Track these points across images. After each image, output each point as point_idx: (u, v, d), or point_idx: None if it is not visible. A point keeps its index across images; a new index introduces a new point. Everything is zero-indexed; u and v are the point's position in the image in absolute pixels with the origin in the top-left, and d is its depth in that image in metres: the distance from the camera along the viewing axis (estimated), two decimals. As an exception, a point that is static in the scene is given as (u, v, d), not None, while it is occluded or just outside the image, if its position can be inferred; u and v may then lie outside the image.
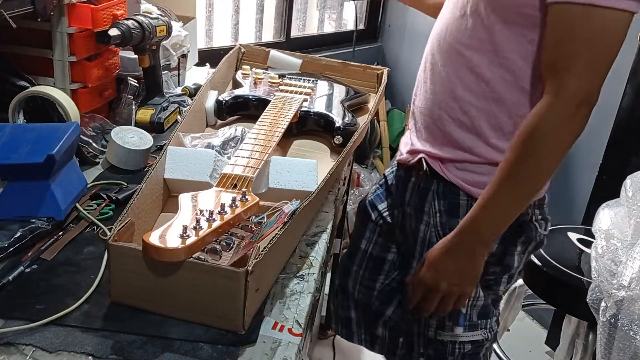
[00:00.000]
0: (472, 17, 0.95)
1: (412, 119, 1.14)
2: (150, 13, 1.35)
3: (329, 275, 2.01)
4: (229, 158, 1.07)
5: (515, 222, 0.98)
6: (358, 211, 1.34)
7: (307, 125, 1.29)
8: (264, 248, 0.75)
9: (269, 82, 1.42)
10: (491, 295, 1.12)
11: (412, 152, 1.11)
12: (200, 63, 1.82)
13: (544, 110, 0.86)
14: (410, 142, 1.13)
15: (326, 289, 2.04)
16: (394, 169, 1.22)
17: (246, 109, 1.33)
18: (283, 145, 1.23)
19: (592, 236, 1.53)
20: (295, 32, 2.67)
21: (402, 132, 2.82)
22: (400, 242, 1.22)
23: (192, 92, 1.50)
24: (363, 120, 1.33)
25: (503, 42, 0.92)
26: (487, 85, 0.96)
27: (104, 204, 1.00)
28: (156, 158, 0.99)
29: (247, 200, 0.82)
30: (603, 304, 1.35)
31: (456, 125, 1.01)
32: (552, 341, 2.23)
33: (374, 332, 1.32)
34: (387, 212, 1.24)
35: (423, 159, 1.07)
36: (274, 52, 1.58)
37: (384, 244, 1.27)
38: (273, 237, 0.78)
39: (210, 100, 1.31)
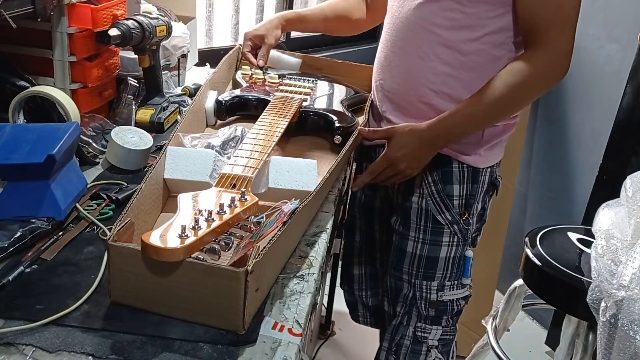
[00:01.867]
0: (456, 4, 1.06)
1: (384, 102, 1.22)
2: (150, 13, 1.35)
3: (329, 275, 2.01)
4: (228, 158, 1.07)
5: (489, 180, 1.21)
6: (361, 207, 1.42)
7: (307, 125, 1.29)
8: (264, 248, 0.75)
9: (269, 82, 1.42)
10: (472, 249, 1.26)
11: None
12: (200, 63, 1.82)
13: (535, 60, 1.04)
14: (389, 123, 1.20)
15: (326, 289, 2.04)
16: (365, 155, 1.33)
17: (246, 109, 1.33)
18: (283, 145, 1.23)
19: (592, 236, 1.52)
20: (295, 32, 2.66)
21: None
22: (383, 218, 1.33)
23: (192, 92, 1.51)
24: (363, 120, 1.33)
25: (476, 19, 1.06)
26: (463, 56, 1.09)
27: (104, 204, 1.01)
28: (156, 158, 0.99)
29: (246, 200, 0.82)
30: (603, 304, 1.35)
31: (439, 97, 1.13)
32: (552, 341, 2.23)
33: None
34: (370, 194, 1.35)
35: None
36: (273, 52, 1.58)
37: (390, 229, 1.33)
38: (273, 237, 0.78)
39: (210, 100, 1.31)
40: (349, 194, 1.45)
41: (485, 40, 1.08)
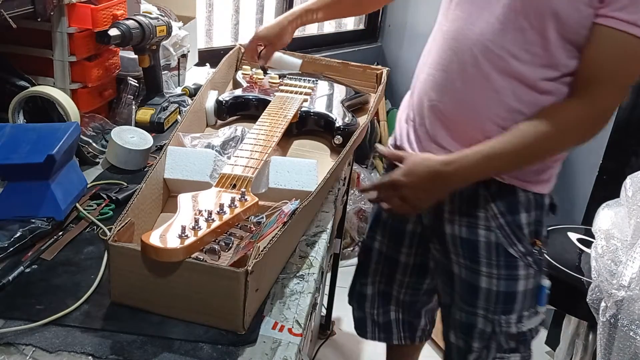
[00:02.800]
0: (532, 32, 0.96)
1: (436, 126, 1.10)
2: (150, 13, 1.35)
3: (329, 275, 2.01)
4: (229, 158, 1.07)
5: (549, 202, 1.14)
6: (382, 230, 1.34)
7: (307, 125, 1.29)
8: (264, 248, 0.75)
9: (269, 82, 1.42)
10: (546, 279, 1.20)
11: None
12: (200, 63, 1.82)
13: (579, 112, 0.97)
14: (440, 149, 1.10)
15: (326, 289, 2.04)
16: None
17: (246, 109, 1.33)
18: (283, 145, 1.23)
19: (592, 236, 1.53)
20: (295, 32, 2.67)
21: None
22: (437, 247, 1.22)
23: (192, 92, 1.50)
24: (363, 120, 1.33)
25: (560, 58, 0.97)
26: (540, 95, 1.00)
27: (104, 204, 1.01)
28: (156, 158, 0.99)
29: (246, 200, 0.82)
30: (603, 304, 1.35)
31: (505, 131, 1.03)
32: (552, 341, 2.22)
33: (416, 324, 1.41)
34: (420, 219, 1.25)
35: None
36: (274, 53, 1.58)
37: (424, 252, 1.29)
38: (273, 237, 0.78)
39: (210, 100, 1.31)
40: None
41: (563, 80, 0.99)
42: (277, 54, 1.58)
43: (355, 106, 1.42)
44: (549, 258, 1.56)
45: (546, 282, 1.17)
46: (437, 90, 1.09)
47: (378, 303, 1.40)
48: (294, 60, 1.57)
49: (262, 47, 1.40)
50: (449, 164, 1.01)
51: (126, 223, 0.79)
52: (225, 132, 1.18)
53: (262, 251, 0.74)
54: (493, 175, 1.06)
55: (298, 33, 2.73)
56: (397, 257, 1.33)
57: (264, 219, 0.82)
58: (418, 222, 1.26)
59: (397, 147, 1.21)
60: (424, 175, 1.02)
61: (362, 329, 1.45)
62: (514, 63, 0.99)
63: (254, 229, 0.79)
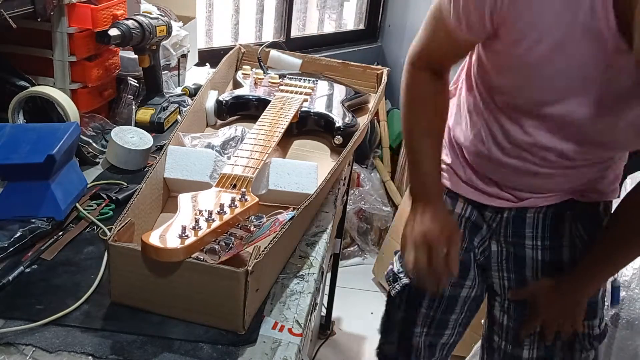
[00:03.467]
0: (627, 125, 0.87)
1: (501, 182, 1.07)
2: (150, 13, 1.35)
3: (329, 275, 2.01)
4: (229, 158, 1.07)
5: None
6: (427, 320, 1.23)
7: (307, 125, 1.29)
8: (265, 248, 0.75)
9: (269, 82, 1.42)
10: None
11: (539, 197, 1.08)
12: (200, 63, 1.82)
13: None
14: (522, 193, 1.07)
15: (326, 289, 2.04)
16: (469, 206, 1.13)
17: (246, 109, 1.33)
18: (283, 146, 1.23)
19: (592, 236, 1.52)
20: (295, 32, 2.67)
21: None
22: (498, 277, 1.19)
23: (192, 92, 1.50)
24: (363, 121, 1.33)
25: None
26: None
27: (104, 204, 1.00)
28: (156, 158, 0.99)
29: (246, 200, 0.82)
30: (603, 304, 1.35)
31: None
32: (552, 341, 2.22)
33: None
34: (480, 250, 1.18)
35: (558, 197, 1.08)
36: (274, 52, 1.58)
37: (482, 281, 1.21)
38: (274, 238, 0.78)
39: (210, 100, 1.31)
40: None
41: None
42: (277, 54, 1.58)
43: (356, 106, 1.42)
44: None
45: (617, 283, 1.23)
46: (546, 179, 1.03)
47: (424, 356, 1.27)
48: (294, 60, 1.57)
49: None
50: (576, 287, 1.07)
51: (126, 223, 0.79)
52: (225, 132, 1.18)
53: (262, 251, 0.74)
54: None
55: (298, 33, 2.74)
56: (456, 295, 1.20)
57: (264, 219, 0.82)
58: (479, 251, 1.18)
59: (450, 167, 1.13)
60: (563, 304, 1.08)
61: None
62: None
63: (253, 229, 0.79)
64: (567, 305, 1.09)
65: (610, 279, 1.18)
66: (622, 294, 1.31)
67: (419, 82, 1.03)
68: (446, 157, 1.14)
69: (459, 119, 1.10)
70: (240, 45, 1.60)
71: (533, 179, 1.02)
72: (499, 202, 1.10)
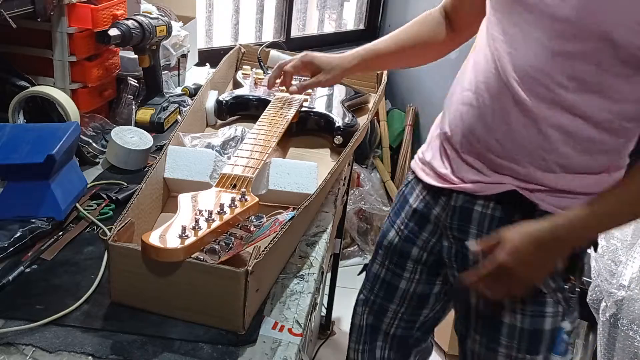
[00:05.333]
0: (591, 65, 0.85)
1: (470, 155, 1.00)
2: (150, 13, 1.35)
3: (329, 275, 2.01)
4: (229, 158, 1.07)
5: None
6: (386, 252, 1.19)
7: (307, 125, 1.29)
8: (265, 248, 0.75)
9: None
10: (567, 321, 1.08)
11: (487, 182, 0.99)
12: (200, 63, 1.82)
13: None
14: (476, 170, 1.00)
15: (326, 289, 2.04)
16: (427, 197, 1.09)
17: (246, 109, 1.33)
18: (283, 146, 1.23)
19: (592, 236, 1.52)
20: (295, 32, 2.67)
21: (402, 132, 2.81)
22: (451, 274, 1.11)
23: (192, 92, 1.51)
24: (363, 121, 1.33)
25: (622, 89, 0.86)
26: (593, 128, 0.90)
27: (104, 204, 1.01)
28: (156, 158, 0.99)
29: (246, 200, 0.82)
30: (603, 303, 1.35)
31: (553, 171, 0.94)
32: (552, 341, 2.22)
33: None
34: (430, 246, 1.11)
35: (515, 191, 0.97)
36: (274, 52, 1.58)
37: (429, 279, 1.15)
38: (274, 238, 0.78)
39: (210, 100, 1.31)
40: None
41: (620, 113, 0.89)
42: (277, 54, 1.58)
43: (355, 106, 1.42)
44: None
45: (566, 325, 1.03)
46: (489, 126, 0.96)
47: (364, 338, 1.25)
48: None
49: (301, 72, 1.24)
50: (550, 230, 0.91)
51: (126, 223, 0.79)
52: (225, 132, 1.18)
53: (262, 251, 0.74)
54: (604, 232, 0.96)
55: (298, 33, 2.74)
56: (396, 284, 1.19)
57: (264, 219, 0.82)
58: (426, 245, 1.12)
59: (426, 161, 1.09)
60: (530, 248, 0.91)
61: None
62: (566, 95, 0.87)
63: (254, 229, 0.79)
64: (536, 258, 0.93)
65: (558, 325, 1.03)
66: (622, 294, 1.31)
67: (429, 13, 1.12)
68: (423, 152, 1.11)
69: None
70: (240, 45, 1.60)
71: (505, 131, 0.94)
72: (449, 185, 1.03)
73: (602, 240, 1.45)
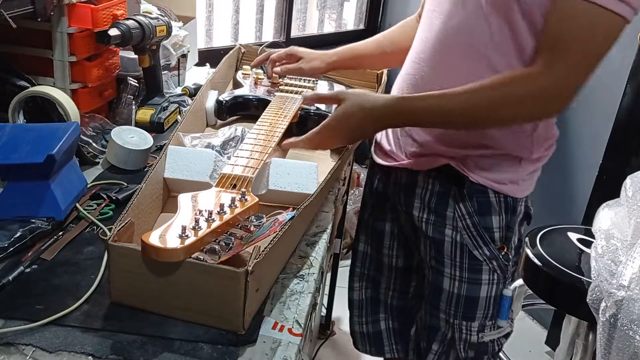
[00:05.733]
0: (497, 20, 0.94)
1: None
2: (150, 13, 1.35)
3: (329, 275, 2.01)
4: (228, 158, 1.07)
5: (525, 210, 1.11)
6: (365, 231, 1.30)
7: (308, 125, 1.28)
8: (265, 248, 0.75)
9: (270, 82, 1.42)
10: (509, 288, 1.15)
11: (423, 155, 1.07)
12: (200, 63, 1.82)
13: (540, 81, 0.90)
14: (414, 144, 1.08)
15: (326, 289, 2.04)
16: (382, 177, 1.21)
17: (246, 109, 1.33)
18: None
19: (592, 236, 1.52)
20: (295, 32, 2.67)
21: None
22: (415, 246, 1.19)
23: (192, 92, 1.51)
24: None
25: (526, 41, 0.94)
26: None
27: (104, 204, 1.01)
28: (156, 158, 0.99)
29: (246, 200, 0.82)
30: (603, 304, 1.35)
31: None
32: (552, 341, 2.23)
33: (408, 333, 1.29)
34: (398, 222, 1.22)
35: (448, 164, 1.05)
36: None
37: (407, 253, 1.25)
38: (274, 238, 0.78)
39: (210, 100, 1.31)
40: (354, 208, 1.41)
41: (528, 62, 0.95)
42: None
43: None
44: (549, 258, 1.56)
45: (507, 292, 1.12)
46: (408, 82, 1.08)
47: (367, 311, 1.34)
48: None
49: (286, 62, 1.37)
50: (387, 108, 0.98)
51: (126, 223, 0.79)
52: (225, 132, 1.18)
53: (262, 251, 0.74)
54: (428, 127, 1.02)
55: (298, 33, 2.73)
56: (380, 258, 1.29)
57: (264, 219, 0.82)
58: (395, 222, 1.22)
59: (377, 142, 1.22)
60: (361, 117, 0.99)
61: (355, 339, 1.38)
62: (483, 49, 0.96)
63: (253, 230, 0.79)
64: (355, 124, 1.00)
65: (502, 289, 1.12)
66: (622, 294, 1.31)
67: (409, 19, 1.26)
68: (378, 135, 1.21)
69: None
70: (241, 45, 1.60)
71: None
72: (394, 163, 1.14)
73: (602, 240, 1.45)
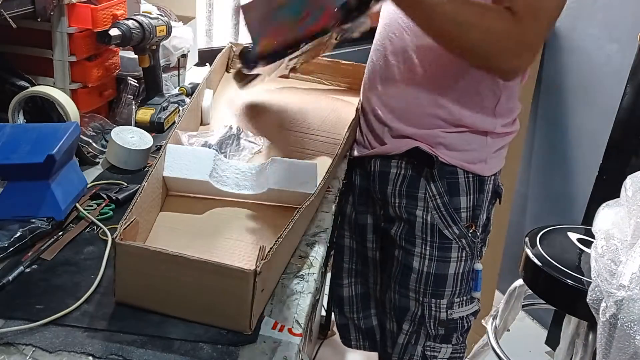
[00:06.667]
0: None
1: (382, 109, 1.16)
2: (150, 13, 1.35)
3: (329, 275, 2.01)
4: (225, 157, 1.07)
5: (493, 188, 1.17)
6: (349, 226, 1.34)
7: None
8: (270, 249, 0.75)
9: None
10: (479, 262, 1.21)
11: (395, 138, 1.15)
12: (200, 63, 1.82)
13: (510, 23, 0.91)
14: (389, 130, 1.15)
15: (326, 289, 2.04)
16: (360, 170, 1.26)
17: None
18: (283, 144, 1.23)
19: (592, 236, 1.52)
20: (295, 32, 2.67)
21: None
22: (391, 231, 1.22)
23: (189, 92, 1.51)
24: (352, 115, 1.32)
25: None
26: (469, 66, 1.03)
27: (104, 204, 1.00)
28: (156, 158, 0.99)
29: None
30: (603, 303, 1.35)
31: (445, 111, 1.09)
32: (552, 341, 2.23)
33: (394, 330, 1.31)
34: (381, 214, 1.25)
35: (418, 147, 1.11)
36: None
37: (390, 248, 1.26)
38: (278, 238, 0.78)
39: (206, 99, 1.31)
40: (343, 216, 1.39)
41: None
42: None
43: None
44: (549, 258, 1.57)
45: (479, 266, 1.18)
46: (388, 83, 1.16)
47: (358, 306, 1.36)
48: None
49: None
50: None
51: (132, 222, 0.79)
52: (221, 131, 1.18)
53: (268, 252, 0.74)
54: (410, 16, 0.99)
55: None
56: (365, 252, 1.33)
57: None
58: (377, 215, 1.26)
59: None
60: None
61: (345, 336, 1.40)
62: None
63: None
64: None
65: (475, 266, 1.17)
66: (622, 294, 1.31)
67: None
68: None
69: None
70: (232, 43, 1.59)
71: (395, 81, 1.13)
72: (367, 152, 1.21)
73: (602, 240, 1.45)
